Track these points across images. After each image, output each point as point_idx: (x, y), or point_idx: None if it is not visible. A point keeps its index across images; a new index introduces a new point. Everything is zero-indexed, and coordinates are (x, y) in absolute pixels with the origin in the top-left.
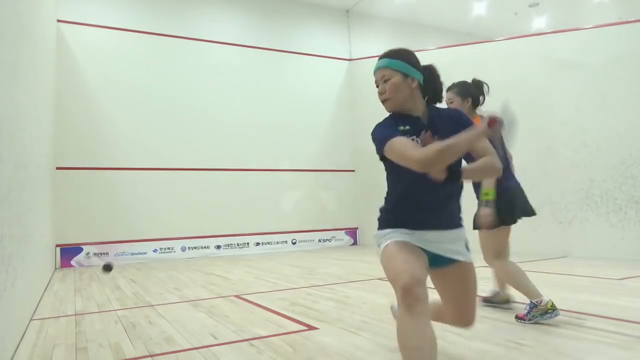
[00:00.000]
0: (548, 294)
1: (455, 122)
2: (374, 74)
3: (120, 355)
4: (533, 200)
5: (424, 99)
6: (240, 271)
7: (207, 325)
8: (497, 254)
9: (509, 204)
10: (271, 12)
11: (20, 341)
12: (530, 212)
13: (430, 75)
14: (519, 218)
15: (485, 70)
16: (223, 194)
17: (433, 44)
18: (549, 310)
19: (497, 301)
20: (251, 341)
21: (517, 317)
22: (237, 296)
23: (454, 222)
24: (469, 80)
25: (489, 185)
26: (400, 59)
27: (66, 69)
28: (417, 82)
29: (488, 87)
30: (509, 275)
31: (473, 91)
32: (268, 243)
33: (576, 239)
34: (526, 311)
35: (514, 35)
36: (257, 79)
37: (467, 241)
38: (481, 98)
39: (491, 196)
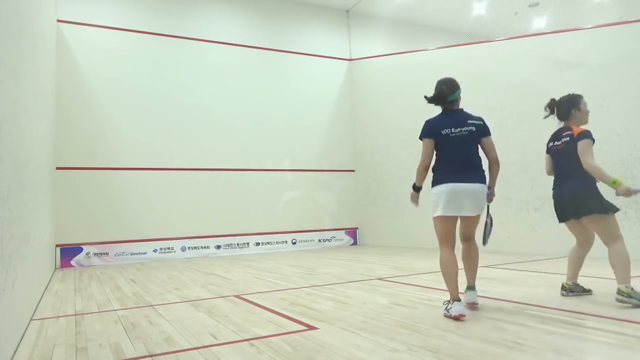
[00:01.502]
0: (548, 294)
1: None
2: None
3: (120, 355)
4: (533, 200)
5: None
6: (240, 271)
7: (207, 325)
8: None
9: None
10: (271, 12)
11: (20, 341)
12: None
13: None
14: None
15: (485, 71)
16: (223, 194)
17: (433, 44)
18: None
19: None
20: (251, 341)
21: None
22: (237, 296)
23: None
24: (465, 79)
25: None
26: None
27: (66, 69)
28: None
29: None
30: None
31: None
32: (268, 243)
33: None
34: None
35: (514, 35)
36: (257, 79)
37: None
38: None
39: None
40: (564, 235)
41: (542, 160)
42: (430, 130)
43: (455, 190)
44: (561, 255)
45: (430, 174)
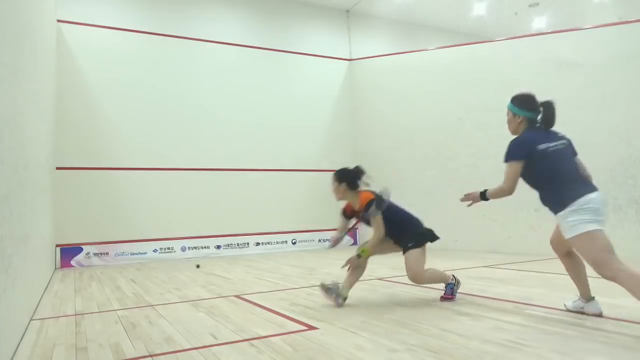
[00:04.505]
0: (548, 294)
1: None
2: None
3: (120, 355)
4: (534, 200)
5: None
6: (240, 271)
7: (207, 325)
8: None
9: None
10: (271, 13)
11: (20, 341)
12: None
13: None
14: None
15: (485, 71)
16: (223, 194)
17: (433, 44)
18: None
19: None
20: (251, 341)
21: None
22: (237, 296)
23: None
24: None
25: (364, 246)
26: (512, 102)
27: (66, 69)
28: (523, 117)
29: (364, 172)
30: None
31: (349, 176)
32: (268, 243)
33: None
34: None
35: (514, 35)
36: (258, 79)
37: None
38: (359, 181)
39: (365, 253)
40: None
41: None
42: None
43: None
44: None
45: None
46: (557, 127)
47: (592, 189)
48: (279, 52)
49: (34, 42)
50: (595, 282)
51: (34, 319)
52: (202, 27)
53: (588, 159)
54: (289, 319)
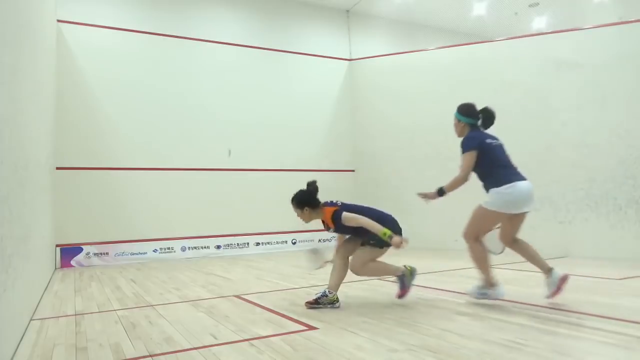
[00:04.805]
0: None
1: None
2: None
3: (120, 355)
4: (534, 200)
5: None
6: (240, 271)
7: (207, 326)
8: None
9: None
10: (271, 12)
11: (20, 341)
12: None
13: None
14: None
15: (485, 71)
16: (223, 194)
17: (433, 44)
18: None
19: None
20: (251, 341)
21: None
22: (237, 296)
23: None
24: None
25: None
26: (457, 111)
27: (66, 69)
28: (465, 123)
29: (316, 186)
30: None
31: (306, 198)
32: (268, 243)
33: (576, 239)
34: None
35: (514, 35)
36: (258, 79)
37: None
38: (318, 198)
39: (388, 233)
40: (564, 235)
41: (541, 160)
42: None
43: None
44: (561, 256)
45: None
46: (556, 127)
47: (521, 178)
48: (279, 52)
49: (34, 42)
50: (596, 282)
51: (34, 319)
52: (202, 27)
53: (588, 159)
54: (289, 319)
